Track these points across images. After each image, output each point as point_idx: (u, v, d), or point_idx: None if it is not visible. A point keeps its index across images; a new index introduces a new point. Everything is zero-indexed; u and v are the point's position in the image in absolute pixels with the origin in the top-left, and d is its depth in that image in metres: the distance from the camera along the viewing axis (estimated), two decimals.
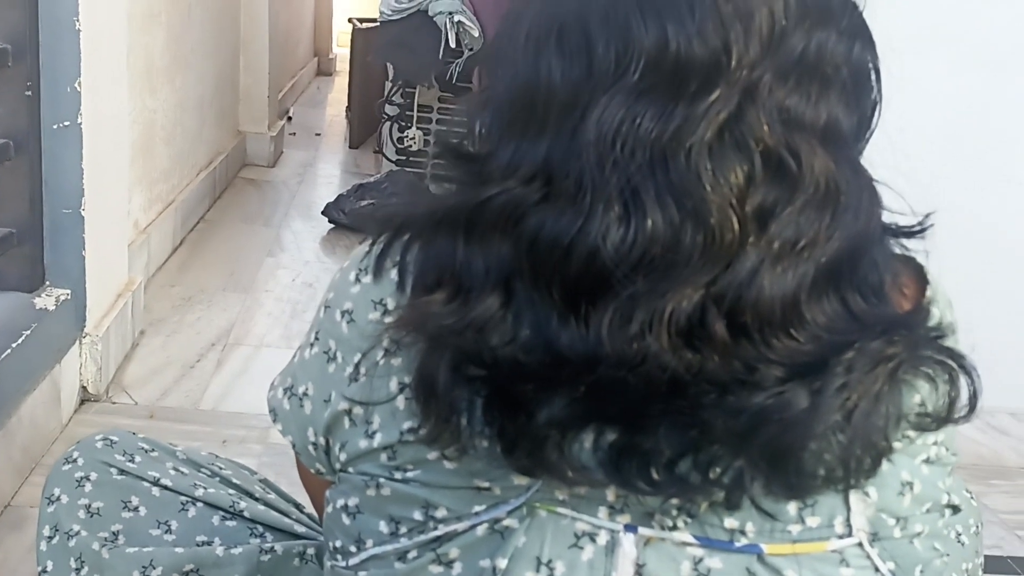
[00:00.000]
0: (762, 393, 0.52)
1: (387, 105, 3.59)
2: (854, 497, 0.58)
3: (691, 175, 0.52)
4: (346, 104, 4.95)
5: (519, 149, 0.57)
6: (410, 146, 3.58)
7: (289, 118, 4.92)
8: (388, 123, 3.60)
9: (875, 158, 0.62)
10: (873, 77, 0.60)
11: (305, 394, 0.67)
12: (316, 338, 0.66)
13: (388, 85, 3.59)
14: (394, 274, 0.61)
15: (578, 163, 0.54)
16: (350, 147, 4.57)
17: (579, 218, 0.53)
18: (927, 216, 0.63)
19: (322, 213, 3.15)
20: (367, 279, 0.63)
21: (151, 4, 2.32)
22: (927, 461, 0.62)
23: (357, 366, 0.61)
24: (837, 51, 0.56)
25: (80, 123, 1.58)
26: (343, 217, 3.10)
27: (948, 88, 1.80)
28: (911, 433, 0.59)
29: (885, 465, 0.56)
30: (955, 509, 0.67)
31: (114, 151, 1.82)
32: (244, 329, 2.21)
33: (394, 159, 3.61)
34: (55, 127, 1.56)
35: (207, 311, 2.29)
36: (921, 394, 0.58)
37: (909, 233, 0.62)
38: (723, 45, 0.53)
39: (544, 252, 0.54)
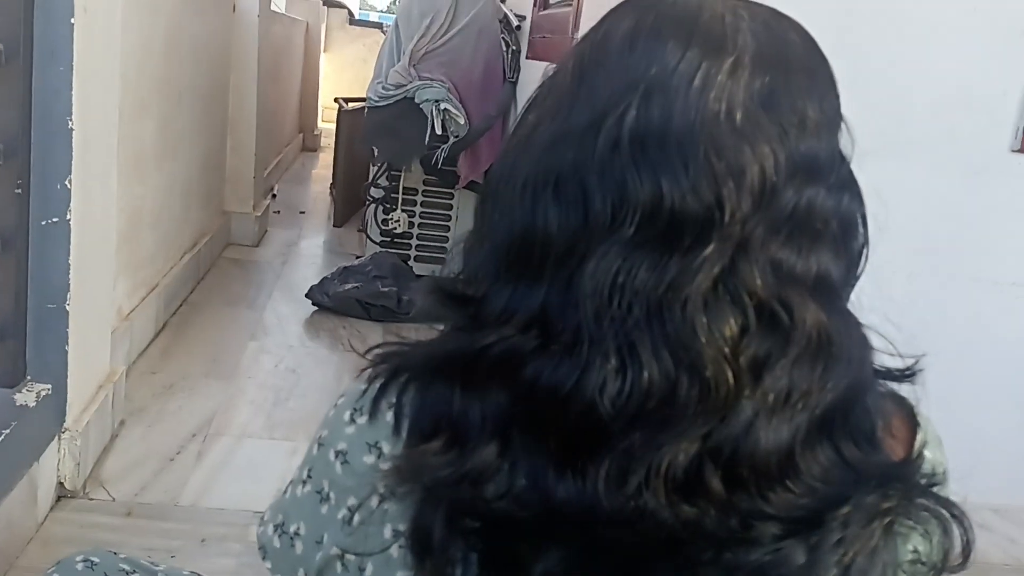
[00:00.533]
0: (759, 549, 0.52)
1: (372, 188, 3.62)
2: None
3: (687, 328, 0.53)
4: (331, 182, 4.99)
5: (515, 295, 0.58)
6: (395, 228, 3.60)
7: (274, 196, 4.95)
8: (373, 205, 3.63)
9: (864, 302, 0.64)
10: (860, 224, 0.61)
11: (297, 533, 0.66)
12: (309, 475, 0.66)
13: (373, 168, 3.63)
14: (390, 416, 0.61)
15: (575, 314, 0.54)
16: (334, 225, 4.59)
17: (576, 370, 0.54)
18: (917, 360, 0.63)
19: (306, 296, 3.14)
20: (362, 420, 0.63)
21: (141, 95, 2.35)
22: None
23: (351, 510, 0.61)
24: (827, 205, 0.57)
25: (69, 219, 1.58)
26: (327, 300, 3.10)
27: (926, 192, 1.84)
28: None
29: None
30: None
31: (101, 243, 1.82)
32: (226, 418, 2.18)
33: (378, 241, 3.63)
34: (44, 223, 1.56)
35: (188, 399, 2.26)
36: (915, 543, 0.58)
37: (900, 377, 0.62)
38: (716, 200, 0.54)
39: (541, 402, 0.54)
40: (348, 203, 4.52)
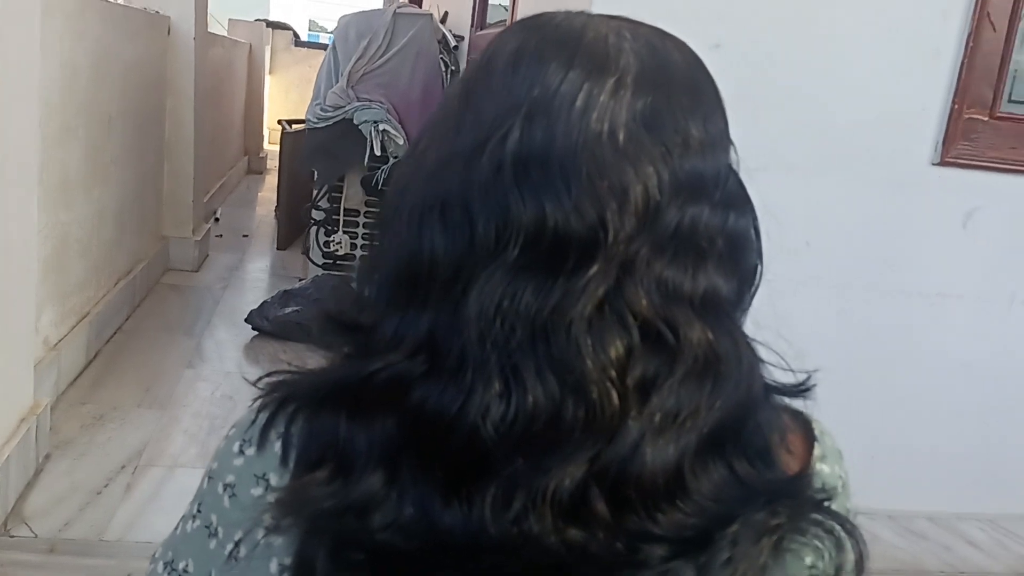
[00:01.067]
0: (647, 572, 0.52)
1: (314, 210, 3.59)
2: None
3: (571, 350, 0.52)
4: (275, 204, 4.94)
5: (403, 321, 0.57)
6: (336, 250, 3.57)
7: (216, 219, 4.88)
8: (315, 227, 3.60)
9: (759, 319, 0.64)
10: (753, 239, 0.61)
11: (185, 570, 0.64)
12: (199, 510, 0.64)
13: (315, 190, 3.60)
14: (278, 447, 0.59)
15: (460, 339, 0.53)
16: (278, 248, 4.53)
17: (460, 395, 0.53)
18: (809, 376, 0.63)
19: (245, 320, 3.09)
20: (251, 451, 0.61)
21: (67, 120, 2.30)
22: None
23: (237, 544, 0.59)
24: (711, 224, 0.57)
25: None
26: (267, 325, 3.06)
27: (852, 208, 1.88)
28: None
29: None
30: None
31: (21, 272, 1.77)
32: (158, 449, 2.13)
33: (320, 263, 3.59)
34: None
35: (119, 430, 2.21)
36: (810, 558, 0.58)
37: (792, 393, 0.62)
38: (600, 221, 0.54)
39: (427, 428, 0.53)
40: (292, 226, 4.47)
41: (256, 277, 4.06)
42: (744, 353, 0.57)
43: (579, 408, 0.52)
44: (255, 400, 0.63)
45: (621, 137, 0.54)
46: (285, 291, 3.25)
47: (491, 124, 0.56)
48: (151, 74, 3.40)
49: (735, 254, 0.59)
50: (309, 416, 0.58)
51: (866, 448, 1.96)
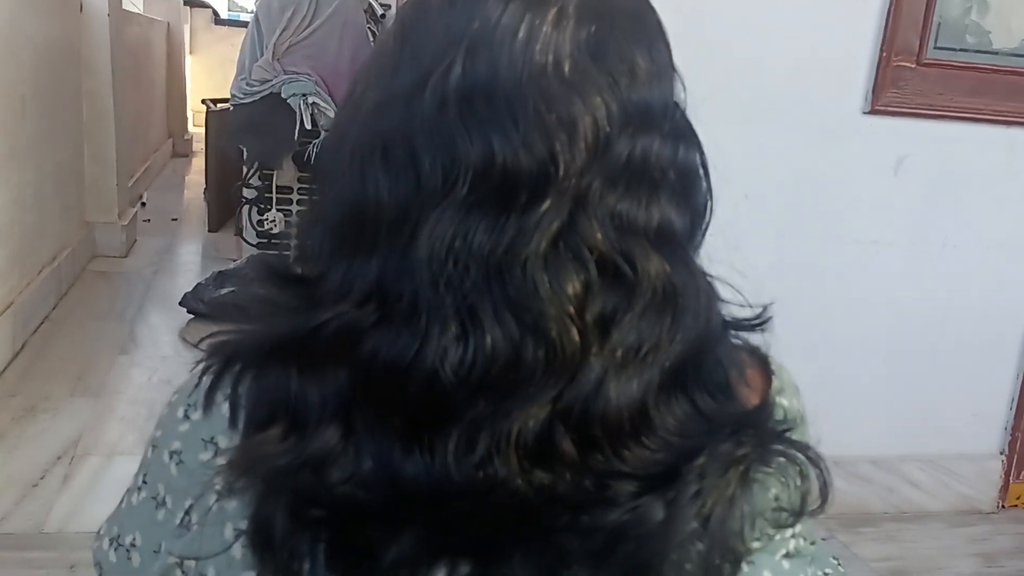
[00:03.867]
0: (617, 509, 0.51)
1: (245, 188, 3.51)
2: None
3: (528, 288, 0.51)
4: (204, 186, 4.82)
5: (351, 270, 0.54)
6: (271, 229, 3.49)
7: (143, 204, 4.74)
8: (247, 206, 3.51)
9: (712, 254, 0.63)
10: (702, 175, 0.61)
11: (133, 544, 0.61)
12: (144, 481, 0.61)
13: (245, 169, 3.51)
14: (225, 409, 0.57)
15: (411, 283, 0.52)
16: (209, 231, 4.43)
17: (416, 340, 0.51)
18: (765, 308, 0.63)
19: (180, 304, 3.01)
20: (196, 415, 0.58)
21: None
22: (787, 555, 0.62)
23: (187, 512, 0.56)
24: (663, 154, 0.56)
25: None
26: (202, 307, 2.98)
27: (787, 157, 1.90)
28: (769, 531, 0.59)
29: (746, 567, 0.55)
30: None
31: None
32: (94, 438, 2.07)
33: (255, 243, 3.51)
34: None
35: (52, 421, 2.13)
36: (775, 490, 0.58)
37: (749, 327, 0.62)
38: (549, 154, 0.52)
39: (382, 378, 0.51)
40: (222, 207, 4.36)
41: (188, 260, 3.96)
42: (702, 285, 0.57)
43: (539, 347, 0.51)
44: (198, 363, 0.60)
45: (567, 68, 0.53)
46: (220, 272, 3.17)
47: (431, 60, 0.54)
48: (65, 54, 3.26)
49: (686, 187, 0.59)
50: (256, 374, 0.55)
51: (808, 395, 1.99)
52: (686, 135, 0.59)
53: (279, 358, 0.54)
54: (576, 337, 0.51)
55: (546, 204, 0.52)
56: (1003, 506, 2.21)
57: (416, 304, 0.51)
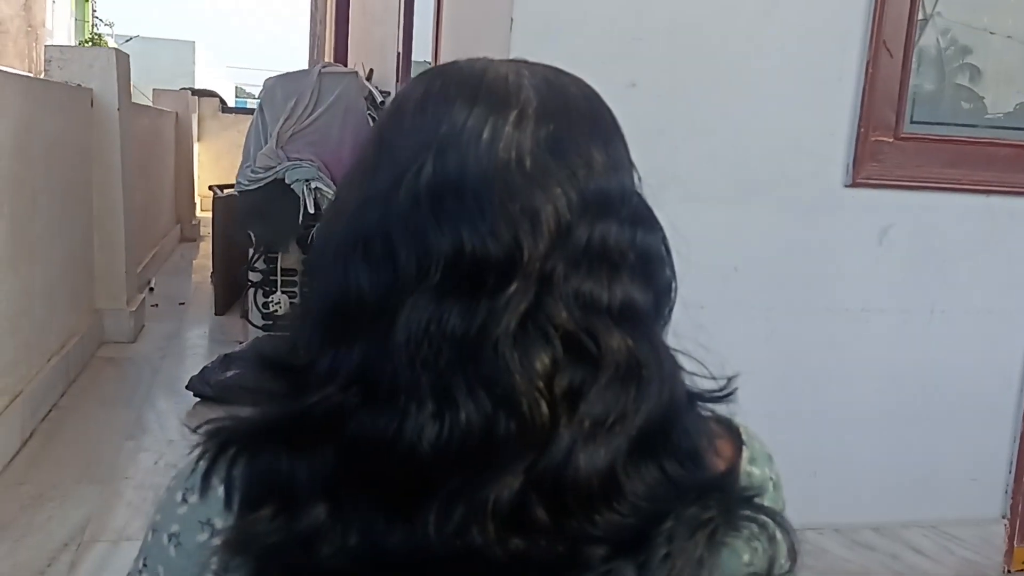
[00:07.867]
0: (589, 573, 0.53)
1: (250, 271, 3.57)
2: None
3: (499, 365, 0.55)
4: (211, 270, 4.89)
5: (336, 357, 0.58)
6: (276, 311, 3.55)
7: (151, 289, 4.81)
8: (253, 289, 3.57)
9: (680, 330, 0.67)
10: (665, 256, 0.65)
11: None
12: (144, 564, 0.64)
13: (251, 252, 3.59)
14: (221, 491, 0.60)
15: (391, 365, 0.55)
16: (216, 314, 4.48)
17: (395, 418, 0.54)
18: (730, 380, 0.67)
19: (187, 387, 3.05)
20: (193, 498, 0.61)
21: None
22: None
23: None
24: (621, 238, 0.60)
25: None
26: (209, 390, 3.01)
27: (772, 232, 1.95)
28: None
29: None
30: None
31: None
32: (101, 524, 2.08)
33: (260, 325, 3.56)
34: None
35: (60, 508, 2.15)
36: (747, 555, 0.61)
37: (715, 398, 0.65)
38: (515, 241, 0.56)
39: (365, 455, 0.55)
40: (228, 290, 4.43)
41: (195, 344, 4.00)
42: (664, 359, 0.60)
43: (511, 420, 0.54)
44: (194, 448, 0.64)
45: (528, 163, 0.57)
46: (226, 355, 3.21)
47: (405, 161, 0.59)
48: (76, 147, 3.37)
49: (648, 268, 0.63)
50: (250, 457, 0.59)
51: (807, 464, 2.01)
52: (645, 220, 0.63)
53: (271, 440, 0.58)
54: (546, 410, 0.55)
55: (513, 287, 0.56)
56: (1009, 571, 2.19)
57: (395, 385, 0.55)
